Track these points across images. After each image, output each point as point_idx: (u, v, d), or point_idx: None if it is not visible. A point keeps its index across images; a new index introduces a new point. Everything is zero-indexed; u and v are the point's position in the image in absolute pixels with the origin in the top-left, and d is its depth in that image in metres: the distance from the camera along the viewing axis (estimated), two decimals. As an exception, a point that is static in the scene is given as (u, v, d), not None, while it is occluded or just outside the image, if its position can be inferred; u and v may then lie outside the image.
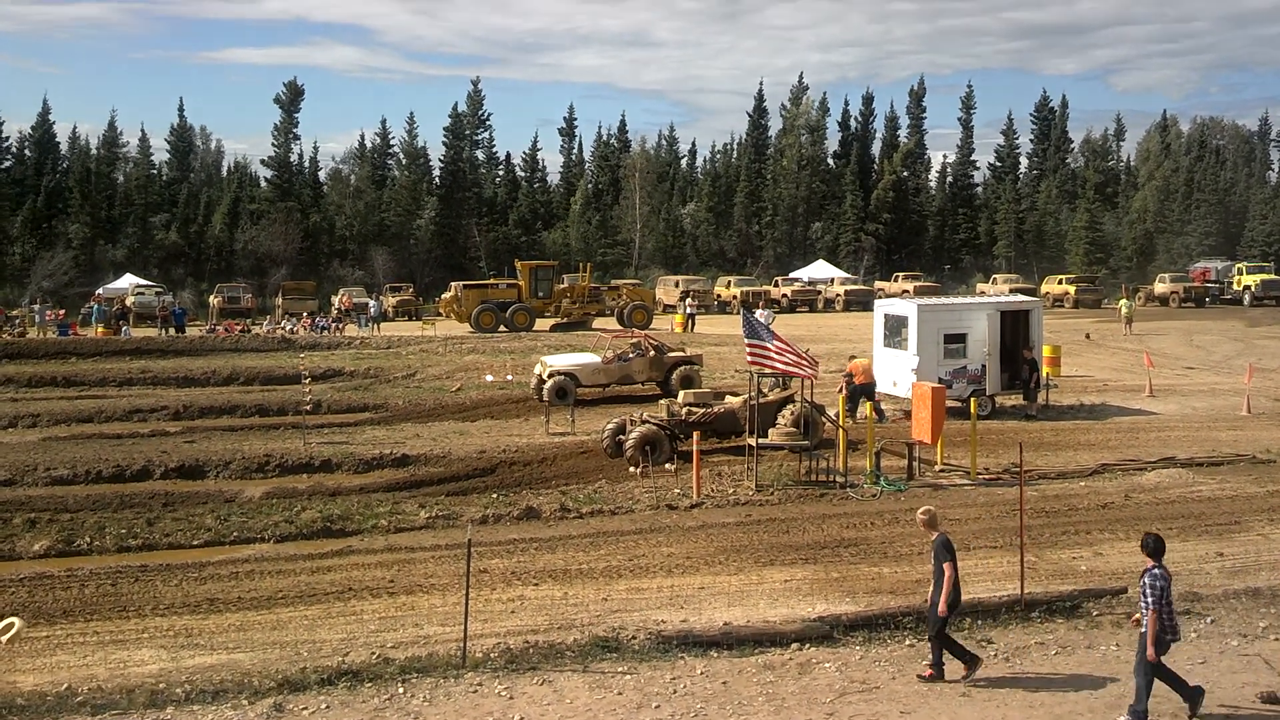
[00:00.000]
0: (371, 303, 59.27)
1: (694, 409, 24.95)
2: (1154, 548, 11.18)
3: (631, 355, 32.48)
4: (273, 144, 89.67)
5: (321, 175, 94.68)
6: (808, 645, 13.48)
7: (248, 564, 18.02)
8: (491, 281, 59.08)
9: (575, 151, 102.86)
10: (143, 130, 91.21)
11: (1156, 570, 11.05)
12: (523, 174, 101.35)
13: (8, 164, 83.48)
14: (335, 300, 63.32)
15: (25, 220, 75.76)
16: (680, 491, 22.08)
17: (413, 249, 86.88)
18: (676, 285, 66.94)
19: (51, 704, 12.19)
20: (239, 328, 52.54)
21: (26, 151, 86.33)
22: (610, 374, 32.00)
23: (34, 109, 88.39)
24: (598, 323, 54.63)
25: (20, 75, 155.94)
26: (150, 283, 64.61)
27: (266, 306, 64.59)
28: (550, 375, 31.21)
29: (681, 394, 26.66)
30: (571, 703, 11.94)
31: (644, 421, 24.65)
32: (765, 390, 24.68)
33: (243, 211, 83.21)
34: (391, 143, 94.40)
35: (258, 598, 16.29)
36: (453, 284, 57.53)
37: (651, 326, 52.17)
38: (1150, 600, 10.95)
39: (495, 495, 22.45)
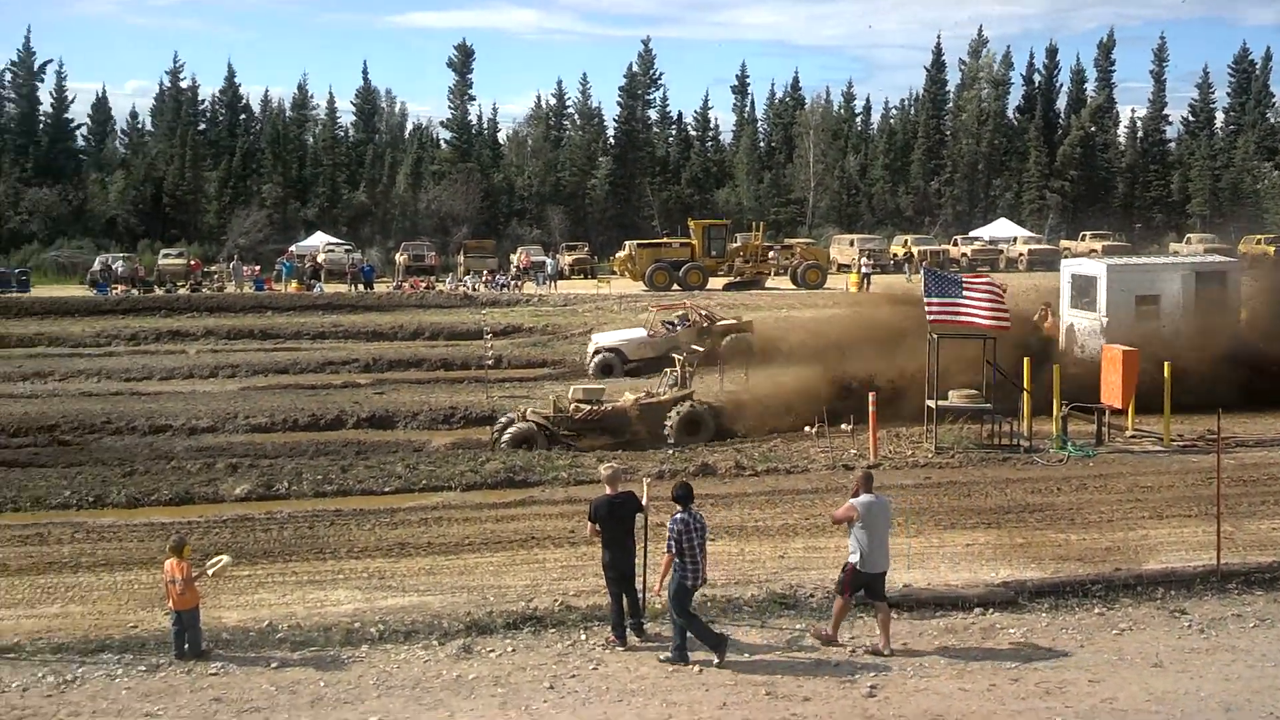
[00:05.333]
0: (548, 261, 60.17)
1: (582, 405, 23.72)
2: (679, 494, 12.15)
3: (677, 327, 32.17)
4: (449, 106, 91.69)
5: (501, 137, 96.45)
6: (991, 610, 13.26)
7: (436, 511, 18.66)
8: (665, 240, 59.33)
9: (748, 109, 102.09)
10: (330, 93, 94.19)
11: (679, 516, 11.95)
12: (694, 133, 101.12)
13: (203, 126, 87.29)
14: (514, 258, 64.49)
15: (221, 180, 79.29)
16: (856, 452, 21.91)
17: (588, 208, 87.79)
18: (851, 244, 65.99)
19: (255, 639, 12.90)
20: (424, 284, 54.14)
21: (220, 114, 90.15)
22: (656, 347, 31.38)
23: (222, 73, 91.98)
24: (771, 281, 54.41)
25: (212, 40, 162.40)
26: (340, 241, 66.91)
27: (449, 264, 66.19)
28: (596, 351, 31.58)
29: (573, 388, 24.90)
30: (749, 657, 12.05)
31: (523, 419, 23.61)
32: (660, 390, 24.60)
33: (425, 172, 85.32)
34: (567, 103, 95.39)
35: (446, 543, 16.85)
36: (627, 243, 57.97)
37: (825, 286, 51.73)
38: (670, 544, 11.87)
39: (671, 451, 22.64)
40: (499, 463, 21.26)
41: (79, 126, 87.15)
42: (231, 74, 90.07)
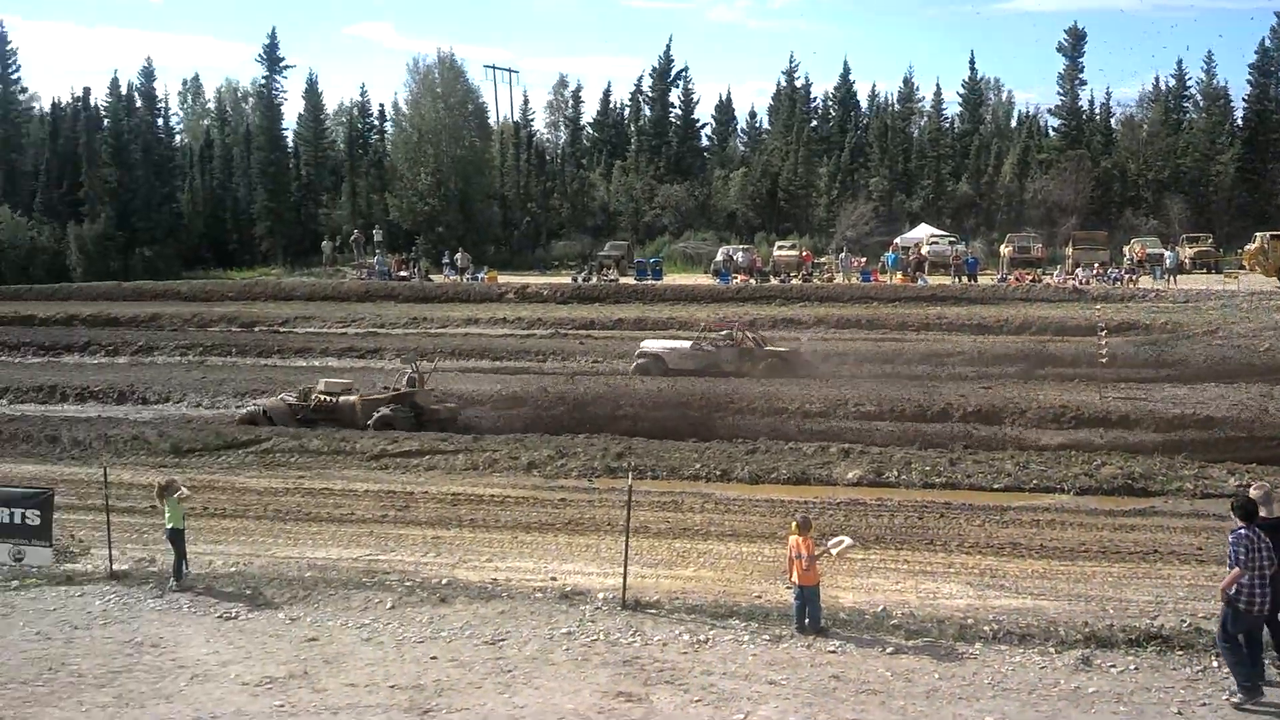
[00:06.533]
0: (1167, 253, 56.16)
1: (322, 396, 26.53)
2: (1241, 509, 11.08)
3: (721, 345, 32.79)
4: (1058, 93, 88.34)
5: (1112, 122, 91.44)
6: None
7: (1048, 513, 18.25)
8: (1304, 233, 53.19)
9: None
10: (937, 85, 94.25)
11: (1240, 531, 10.89)
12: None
13: (814, 123, 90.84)
14: (1127, 250, 60.94)
15: (831, 174, 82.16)
16: None
17: (1211, 196, 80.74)
18: None
19: (869, 621, 13.34)
20: (1029, 277, 52.69)
21: (831, 110, 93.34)
22: (697, 360, 32.38)
23: (837, 70, 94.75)
24: None
25: (826, 39, 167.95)
26: (943, 232, 66.85)
27: (1056, 256, 63.89)
28: (640, 355, 33.01)
29: (320, 381, 27.87)
30: None
31: (273, 400, 27.50)
32: (394, 389, 27.22)
33: (1031, 161, 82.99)
34: (1188, 84, 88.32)
35: (1059, 548, 16.42)
36: (1257, 234, 52.79)
37: None
38: (1233, 558, 10.85)
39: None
40: (1115, 468, 20.34)
41: (704, 126, 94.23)
42: (846, 71, 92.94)
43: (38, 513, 15.83)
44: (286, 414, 26.70)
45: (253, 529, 18.21)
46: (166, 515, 15.16)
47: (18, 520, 15.80)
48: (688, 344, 33.71)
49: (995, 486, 20.11)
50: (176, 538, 15.08)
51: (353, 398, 26.71)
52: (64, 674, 12.12)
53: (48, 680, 11.97)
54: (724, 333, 34.21)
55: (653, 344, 34.64)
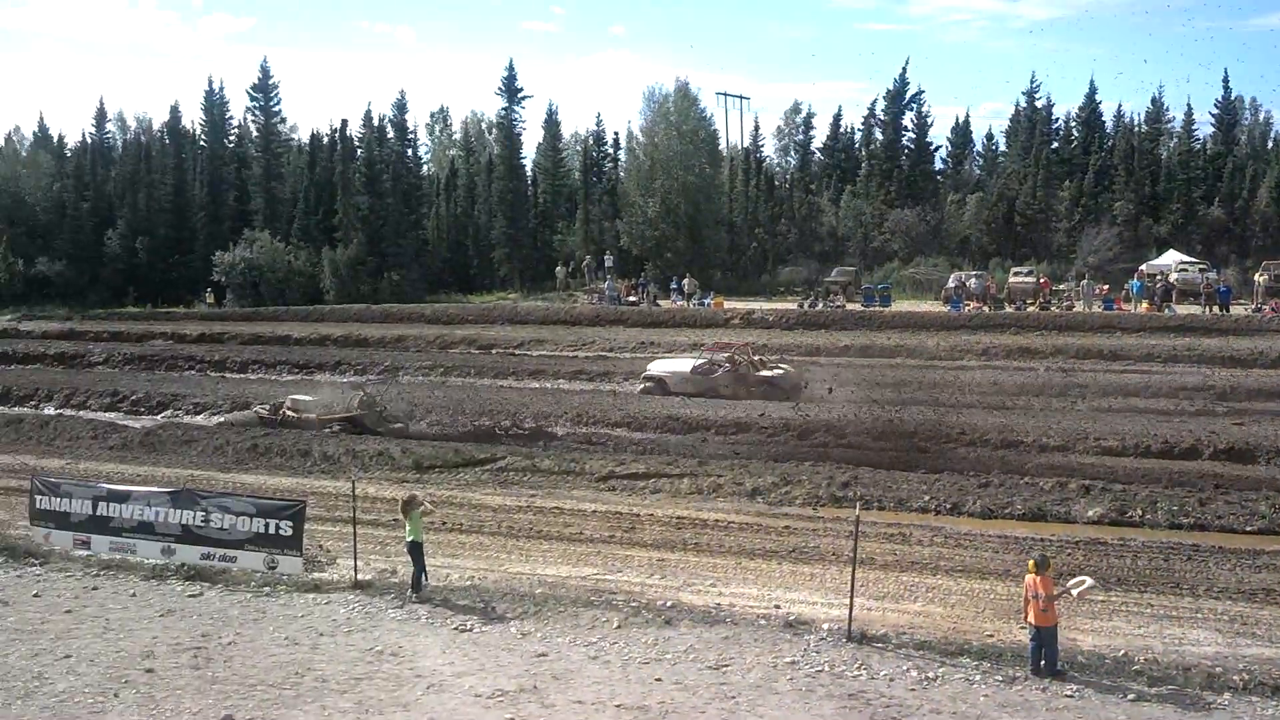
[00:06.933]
0: None
1: (289, 410, 30.18)
2: None
3: (718, 370, 33.55)
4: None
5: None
6: None
7: (1314, 557, 17.10)
8: None
9: None
10: (1188, 104, 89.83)
11: None
12: None
13: (1055, 145, 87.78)
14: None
15: (1072, 197, 79.11)
16: None
17: None
18: None
19: (1109, 666, 12.84)
20: (1288, 307, 49.43)
21: (1074, 131, 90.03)
22: (696, 384, 33.35)
23: (1081, 90, 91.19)
24: None
25: (1069, 59, 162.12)
26: (1193, 259, 63.51)
27: (1316, 285, 59.75)
28: (646, 378, 34.46)
29: (289, 399, 31.15)
30: None
31: (246, 412, 31.79)
32: (347, 407, 30.17)
33: (1290, 184, 78.01)
34: None
35: (1319, 596, 15.37)
36: None
37: None
38: None
39: None
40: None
41: (938, 149, 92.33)
42: (1092, 90, 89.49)
43: (290, 524, 16.88)
44: (257, 425, 30.29)
45: (487, 544, 18.87)
46: (408, 528, 15.90)
47: (272, 530, 16.89)
48: (688, 367, 34.54)
49: (1248, 529, 19.01)
50: (416, 551, 15.79)
51: (312, 414, 30.09)
52: (309, 678, 12.82)
53: (294, 684, 12.68)
54: (724, 355, 34.67)
55: (656, 367, 35.53)
